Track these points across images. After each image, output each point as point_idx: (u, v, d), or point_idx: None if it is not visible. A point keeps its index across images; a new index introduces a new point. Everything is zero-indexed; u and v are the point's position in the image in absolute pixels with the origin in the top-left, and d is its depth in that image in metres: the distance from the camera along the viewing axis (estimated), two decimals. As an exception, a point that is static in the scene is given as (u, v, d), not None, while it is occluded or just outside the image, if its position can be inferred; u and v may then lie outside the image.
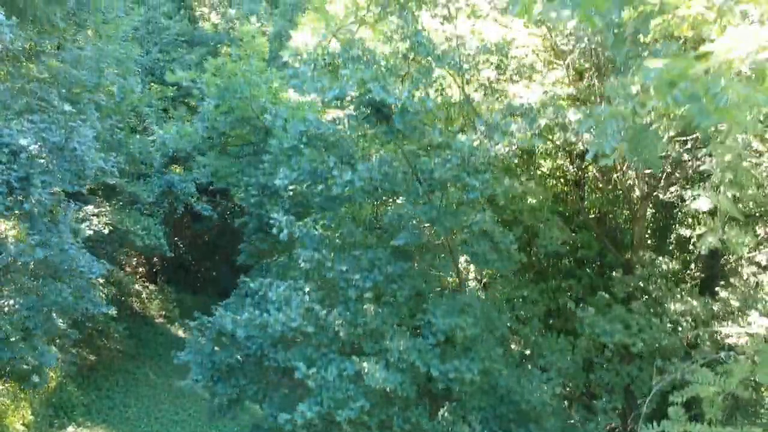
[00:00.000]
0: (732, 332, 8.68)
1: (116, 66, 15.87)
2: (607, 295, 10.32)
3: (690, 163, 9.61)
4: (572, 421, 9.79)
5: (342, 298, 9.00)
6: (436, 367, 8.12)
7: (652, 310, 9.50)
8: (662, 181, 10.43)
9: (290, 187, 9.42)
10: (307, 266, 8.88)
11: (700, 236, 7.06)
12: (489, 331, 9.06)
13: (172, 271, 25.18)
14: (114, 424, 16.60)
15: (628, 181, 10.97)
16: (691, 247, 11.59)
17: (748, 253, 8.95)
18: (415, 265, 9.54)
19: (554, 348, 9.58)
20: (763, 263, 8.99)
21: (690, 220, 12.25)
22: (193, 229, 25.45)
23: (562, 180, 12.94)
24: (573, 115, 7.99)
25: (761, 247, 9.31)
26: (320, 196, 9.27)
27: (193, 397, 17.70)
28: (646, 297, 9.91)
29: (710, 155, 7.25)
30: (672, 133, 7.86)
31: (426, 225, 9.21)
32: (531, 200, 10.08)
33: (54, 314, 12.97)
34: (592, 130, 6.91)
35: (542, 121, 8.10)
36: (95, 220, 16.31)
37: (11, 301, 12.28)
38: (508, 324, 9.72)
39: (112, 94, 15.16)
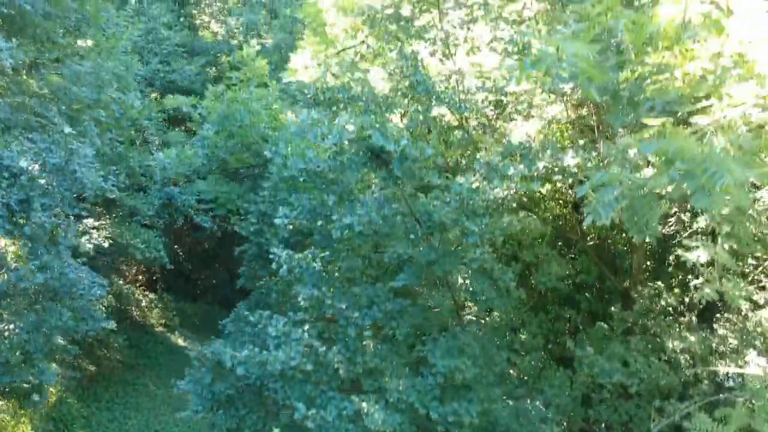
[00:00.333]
0: (730, 371, 8.73)
1: (116, 81, 15.81)
2: (605, 325, 10.35)
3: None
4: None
5: (341, 336, 9.02)
6: (435, 410, 8.15)
7: (650, 346, 9.53)
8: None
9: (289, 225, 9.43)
10: (307, 304, 8.91)
11: (697, 288, 7.08)
12: (488, 367, 9.08)
13: (172, 279, 25.09)
14: (114, 437, 16.72)
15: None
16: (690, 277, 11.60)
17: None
18: (415, 300, 9.56)
19: (553, 382, 9.60)
20: (761, 302, 9.00)
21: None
22: (192, 237, 25.37)
23: (561, 202, 12.94)
24: (571, 159, 7.99)
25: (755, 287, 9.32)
26: (320, 234, 9.29)
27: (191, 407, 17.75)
28: (645, 332, 9.93)
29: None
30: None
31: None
32: (529, 236, 10.09)
33: (54, 336, 12.96)
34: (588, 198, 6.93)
35: (541, 164, 8.10)
36: (95, 234, 16.30)
37: (11, 326, 12.26)
38: (507, 357, 9.75)
39: (112, 112, 15.10)
